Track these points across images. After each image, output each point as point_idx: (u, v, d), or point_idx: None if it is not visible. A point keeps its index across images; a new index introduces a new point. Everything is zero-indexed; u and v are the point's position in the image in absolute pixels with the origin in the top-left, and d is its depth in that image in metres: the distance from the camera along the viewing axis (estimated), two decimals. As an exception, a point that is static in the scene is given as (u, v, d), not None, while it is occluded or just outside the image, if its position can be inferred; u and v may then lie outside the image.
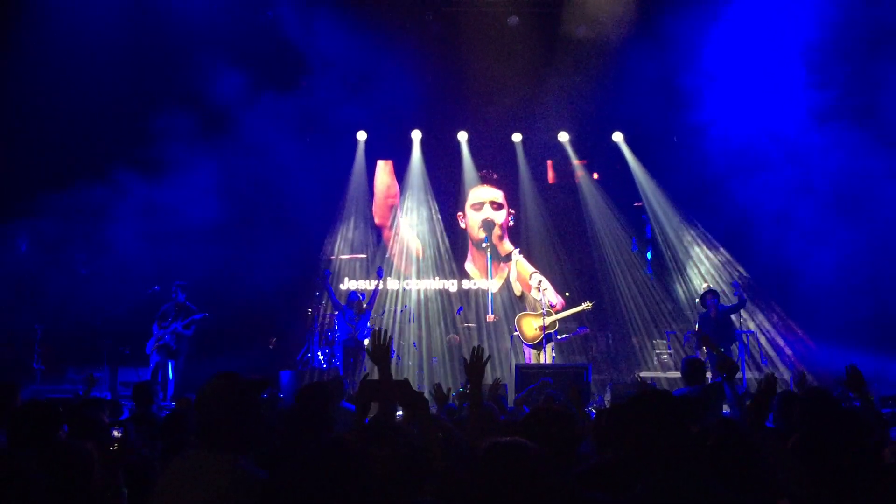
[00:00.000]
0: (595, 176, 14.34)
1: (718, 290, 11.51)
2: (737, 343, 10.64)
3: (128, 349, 10.88)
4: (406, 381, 3.72)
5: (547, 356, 10.97)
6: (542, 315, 10.92)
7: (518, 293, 11.67)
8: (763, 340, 12.30)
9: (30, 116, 11.44)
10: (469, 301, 13.92)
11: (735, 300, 10.89)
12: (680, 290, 13.65)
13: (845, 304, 11.14)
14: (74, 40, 11.20)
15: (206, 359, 11.14)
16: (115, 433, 3.78)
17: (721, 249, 13.28)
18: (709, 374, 8.23)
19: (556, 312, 11.46)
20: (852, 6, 11.09)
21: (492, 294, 13.44)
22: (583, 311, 11.42)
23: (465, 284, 14.08)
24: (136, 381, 8.79)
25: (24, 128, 11.49)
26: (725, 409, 6.16)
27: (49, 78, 11.37)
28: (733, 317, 10.88)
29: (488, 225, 14.07)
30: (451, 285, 13.99)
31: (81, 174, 11.26)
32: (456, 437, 3.44)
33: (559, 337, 11.51)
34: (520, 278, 12.90)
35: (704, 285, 12.34)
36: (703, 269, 13.37)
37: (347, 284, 13.81)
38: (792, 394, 4.73)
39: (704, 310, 10.74)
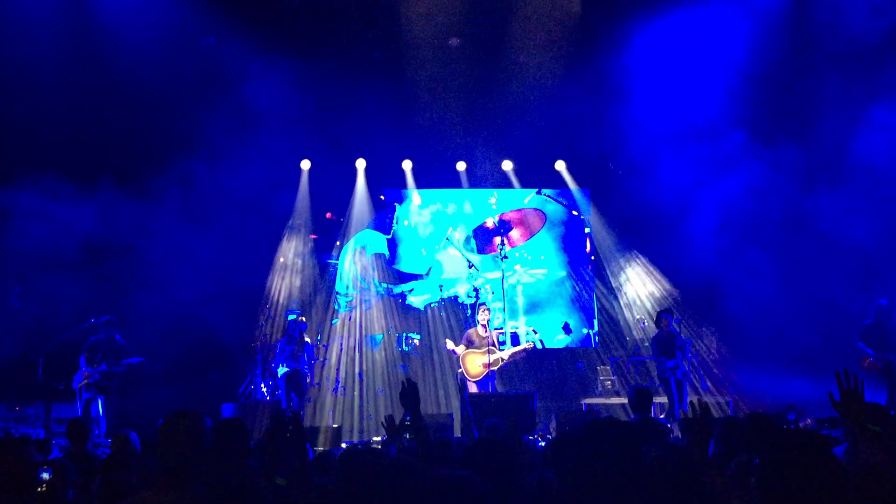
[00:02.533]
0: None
1: (653, 316, 11.74)
2: (688, 361, 10.72)
3: (62, 385, 10.53)
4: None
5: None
6: (487, 352, 10.92)
7: (462, 351, 11.55)
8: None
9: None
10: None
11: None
12: (620, 317, 13.89)
13: (778, 328, 11.51)
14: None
15: (141, 392, 10.84)
16: (44, 475, 3.65)
17: (659, 276, 13.57)
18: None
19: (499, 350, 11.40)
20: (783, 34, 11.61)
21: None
22: (525, 349, 11.54)
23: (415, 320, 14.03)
24: (70, 417, 8.51)
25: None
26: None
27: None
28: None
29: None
30: (399, 320, 13.93)
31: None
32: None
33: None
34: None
35: (638, 316, 12.55)
36: (642, 295, 13.65)
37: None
38: (734, 420, 4.83)
39: (657, 330, 10.88)
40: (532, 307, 14.16)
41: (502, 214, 14.50)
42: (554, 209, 14.63)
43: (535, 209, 14.61)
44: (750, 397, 11.59)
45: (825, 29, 10.95)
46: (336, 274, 14.14)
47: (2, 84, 10.95)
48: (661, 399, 11.06)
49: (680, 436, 7.83)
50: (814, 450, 2.26)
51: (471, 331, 11.35)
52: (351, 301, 13.98)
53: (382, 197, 14.45)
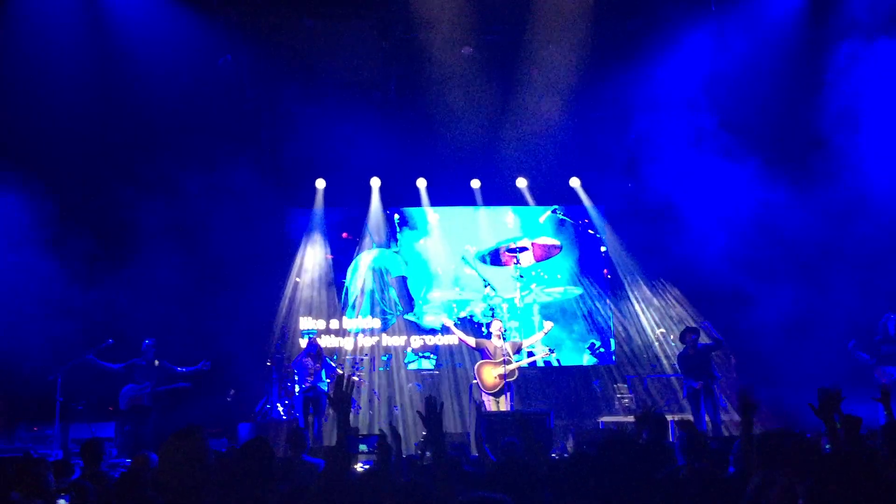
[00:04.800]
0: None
1: (677, 332, 11.65)
2: (715, 381, 10.60)
3: (81, 405, 10.60)
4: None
5: (506, 404, 10.87)
6: (503, 363, 10.85)
7: (474, 344, 11.52)
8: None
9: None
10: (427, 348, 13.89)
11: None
12: (637, 335, 13.81)
13: (799, 347, 11.41)
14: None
15: (162, 411, 10.94)
16: (61, 502, 3.66)
17: (677, 294, 13.50)
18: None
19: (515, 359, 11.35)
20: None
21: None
22: (542, 357, 11.39)
23: (430, 340, 14.01)
24: (88, 437, 8.54)
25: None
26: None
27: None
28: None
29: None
30: (414, 340, 13.90)
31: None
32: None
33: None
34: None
35: (660, 330, 12.45)
36: (658, 313, 13.60)
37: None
38: (768, 435, 4.70)
39: (683, 346, 10.81)
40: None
41: (516, 243, 14.41)
42: (569, 228, 14.58)
43: (550, 241, 14.53)
44: (768, 416, 11.45)
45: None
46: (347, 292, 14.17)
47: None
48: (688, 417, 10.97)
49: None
50: (861, 470, 2.24)
51: (486, 341, 11.29)
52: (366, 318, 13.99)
53: (397, 216, 14.46)
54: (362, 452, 8.39)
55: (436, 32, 12.29)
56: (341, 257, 14.28)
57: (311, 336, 12.01)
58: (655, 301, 13.73)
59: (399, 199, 14.56)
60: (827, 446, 4.75)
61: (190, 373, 11.15)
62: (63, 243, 10.79)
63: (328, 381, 11.11)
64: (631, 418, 11.76)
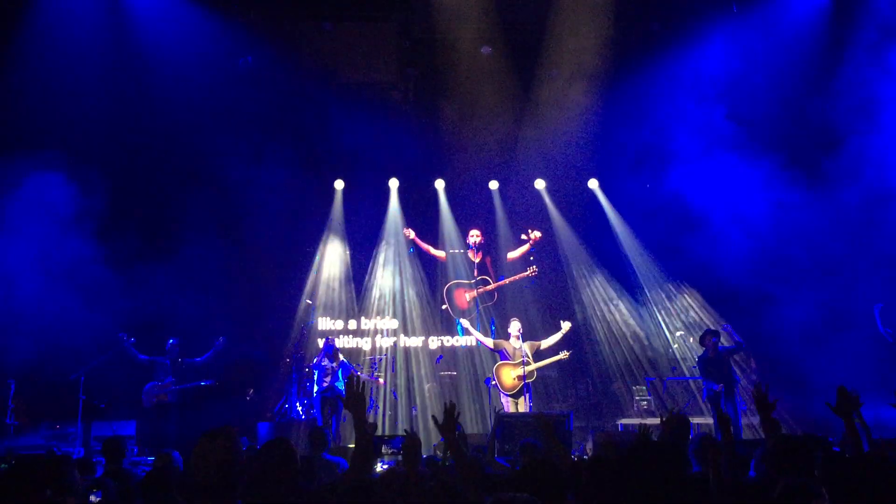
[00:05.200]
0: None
1: (697, 335, 11.59)
2: (735, 384, 10.56)
3: (103, 403, 10.71)
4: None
5: (524, 405, 10.86)
6: (521, 364, 10.84)
7: (492, 345, 11.50)
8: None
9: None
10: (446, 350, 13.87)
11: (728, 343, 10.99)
12: (657, 337, 13.73)
13: (819, 349, 11.33)
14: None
15: (182, 410, 11.03)
16: (93, 498, 3.69)
17: (696, 296, 13.42)
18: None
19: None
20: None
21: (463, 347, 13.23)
22: (560, 360, 11.30)
23: (448, 341, 14.02)
24: (110, 435, 8.62)
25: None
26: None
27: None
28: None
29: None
30: (432, 341, 13.92)
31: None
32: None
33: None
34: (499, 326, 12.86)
35: (679, 333, 12.38)
36: (678, 315, 13.52)
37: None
38: (786, 439, 4.66)
39: (703, 349, 10.77)
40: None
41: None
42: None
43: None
44: (789, 418, 11.38)
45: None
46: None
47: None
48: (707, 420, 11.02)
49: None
50: (883, 476, 2.23)
51: (504, 343, 11.27)
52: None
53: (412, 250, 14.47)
54: (386, 453, 8.41)
55: (456, 31, 12.30)
56: (361, 255, 14.32)
57: (327, 337, 12.06)
58: (675, 303, 13.66)
59: (418, 200, 14.59)
60: (835, 448, 4.71)
61: (210, 357, 11.30)
62: (109, 236, 11.11)
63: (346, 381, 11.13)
64: (649, 420, 11.75)
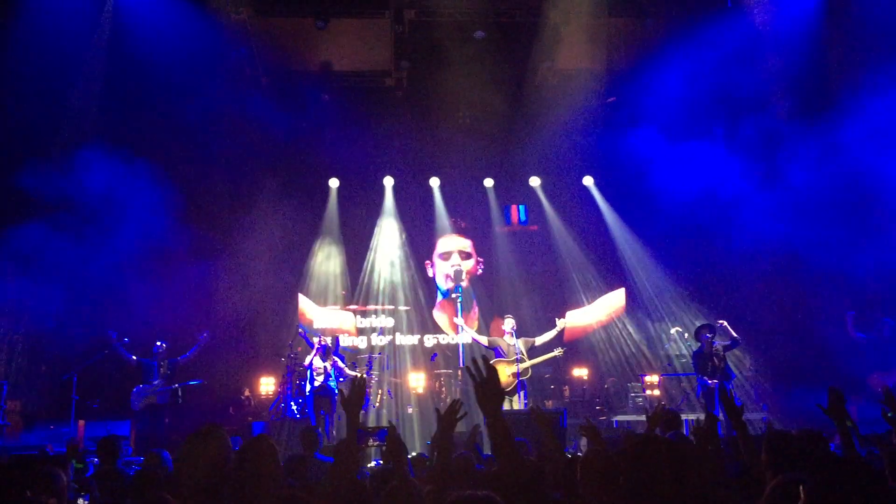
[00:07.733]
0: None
1: (691, 332, 11.57)
2: (729, 379, 10.48)
3: (96, 403, 10.67)
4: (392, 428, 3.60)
5: (519, 402, 10.83)
6: (516, 362, 10.82)
7: (487, 343, 11.46)
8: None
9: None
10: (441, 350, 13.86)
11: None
12: (652, 333, 13.73)
13: (813, 346, 11.33)
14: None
15: (176, 410, 10.99)
16: (81, 501, 3.67)
17: (692, 292, 13.42)
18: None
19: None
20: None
21: (462, 345, 13.20)
22: (555, 357, 11.28)
23: (442, 339, 14.01)
24: (104, 435, 8.60)
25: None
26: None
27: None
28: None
29: (458, 274, 13.97)
30: (427, 339, 13.89)
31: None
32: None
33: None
34: (493, 323, 12.83)
35: (674, 329, 12.36)
36: (674, 312, 13.52)
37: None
38: (783, 434, 4.62)
39: (698, 345, 10.69)
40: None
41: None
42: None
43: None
44: (784, 414, 11.38)
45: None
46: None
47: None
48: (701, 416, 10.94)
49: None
50: (868, 477, 2.20)
51: (499, 340, 11.25)
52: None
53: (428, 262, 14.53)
54: (371, 445, 8.42)
55: (449, 17, 12.24)
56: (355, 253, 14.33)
57: (319, 336, 12.02)
58: (670, 300, 13.65)
59: (412, 197, 14.58)
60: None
61: (194, 354, 11.01)
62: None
63: (341, 379, 11.13)
64: (644, 417, 11.73)
